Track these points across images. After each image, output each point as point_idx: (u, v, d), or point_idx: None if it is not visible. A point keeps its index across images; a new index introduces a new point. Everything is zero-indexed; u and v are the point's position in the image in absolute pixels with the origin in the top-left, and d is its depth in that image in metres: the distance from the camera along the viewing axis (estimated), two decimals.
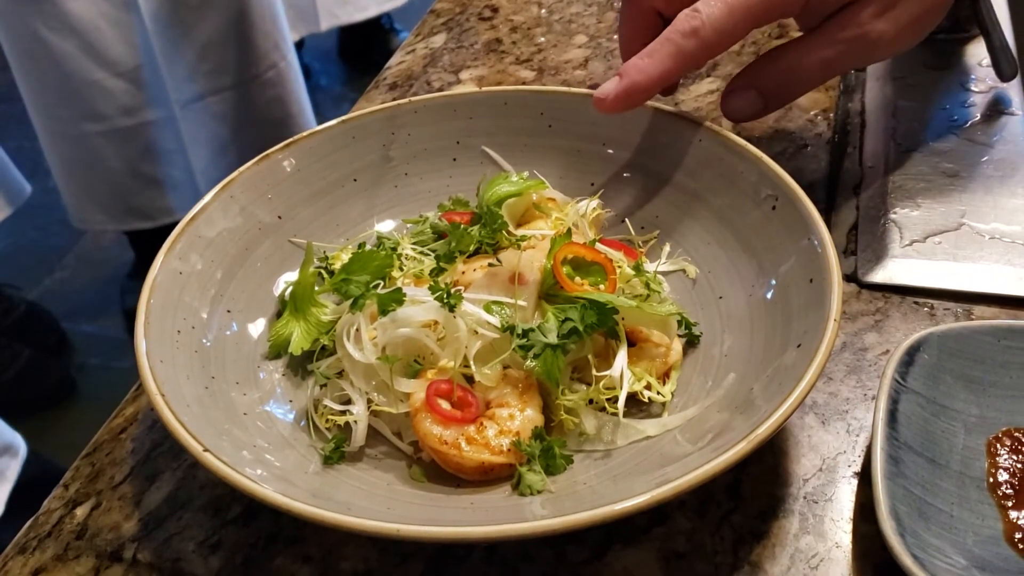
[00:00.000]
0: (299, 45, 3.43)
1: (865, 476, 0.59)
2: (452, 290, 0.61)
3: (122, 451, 0.66)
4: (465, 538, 0.49)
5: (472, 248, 0.70)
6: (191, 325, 0.65)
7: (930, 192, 0.79)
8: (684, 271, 0.71)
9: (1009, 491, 0.56)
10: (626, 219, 0.75)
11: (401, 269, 0.70)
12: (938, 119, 0.87)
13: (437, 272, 0.69)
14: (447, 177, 0.79)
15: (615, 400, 0.60)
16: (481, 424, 0.60)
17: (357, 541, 0.58)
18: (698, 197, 0.72)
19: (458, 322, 0.61)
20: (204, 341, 0.65)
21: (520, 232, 0.71)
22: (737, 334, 0.65)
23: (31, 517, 0.63)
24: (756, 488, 0.59)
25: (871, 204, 0.79)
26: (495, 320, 0.61)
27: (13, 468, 1.84)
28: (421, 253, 0.72)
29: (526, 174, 0.75)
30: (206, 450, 0.53)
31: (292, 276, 0.71)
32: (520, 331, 0.60)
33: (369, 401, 0.62)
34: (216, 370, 0.64)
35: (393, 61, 1.09)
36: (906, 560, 0.49)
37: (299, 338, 0.67)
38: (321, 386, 0.64)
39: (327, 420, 0.62)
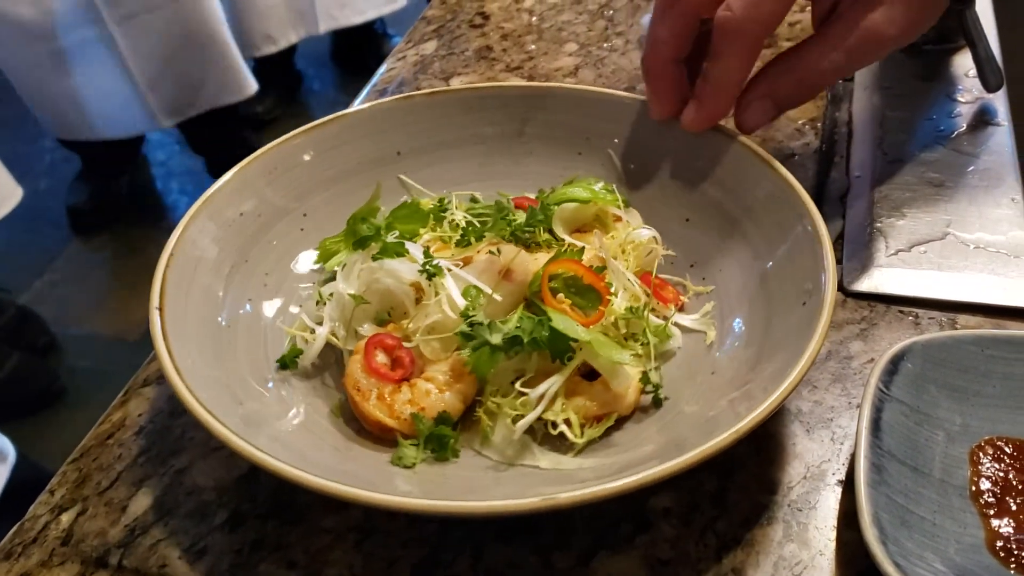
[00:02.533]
0: (292, 49, 3.44)
1: (849, 484, 0.59)
2: (440, 262, 0.64)
3: (109, 456, 0.66)
4: (291, 478, 0.51)
5: (505, 234, 0.70)
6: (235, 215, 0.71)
7: (916, 202, 0.79)
8: (704, 334, 0.67)
9: (991, 499, 0.57)
10: (695, 264, 0.72)
11: (434, 230, 0.73)
12: (925, 129, 0.88)
13: (464, 244, 0.70)
14: (565, 168, 0.79)
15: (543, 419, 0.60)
16: (398, 388, 0.62)
17: (343, 547, 0.58)
18: (766, 286, 0.66)
19: (431, 291, 0.64)
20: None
21: (565, 237, 0.71)
22: (700, 419, 0.60)
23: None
24: (741, 496, 0.59)
25: (857, 213, 0.80)
26: (461, 302, 0.63)
27: (2, 473, 1.84)
28: (468, 222, 0.72)
29: (613, 185, 0.75)
30: (159, 307, 0.59)
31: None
32: (471, 321, 0.60)
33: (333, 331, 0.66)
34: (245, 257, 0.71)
35: (384, 68, 1.10)
36: (888, 568, 0.50)
37: (338, 258, 0.71)
38: (317, 303, 0.69)
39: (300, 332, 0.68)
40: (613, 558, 0.57)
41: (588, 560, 0.57)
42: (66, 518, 0.62)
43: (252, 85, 2.86)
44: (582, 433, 0.60)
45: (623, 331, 0.65)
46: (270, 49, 3.23)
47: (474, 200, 0.78)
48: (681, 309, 0.70)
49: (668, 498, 0.59)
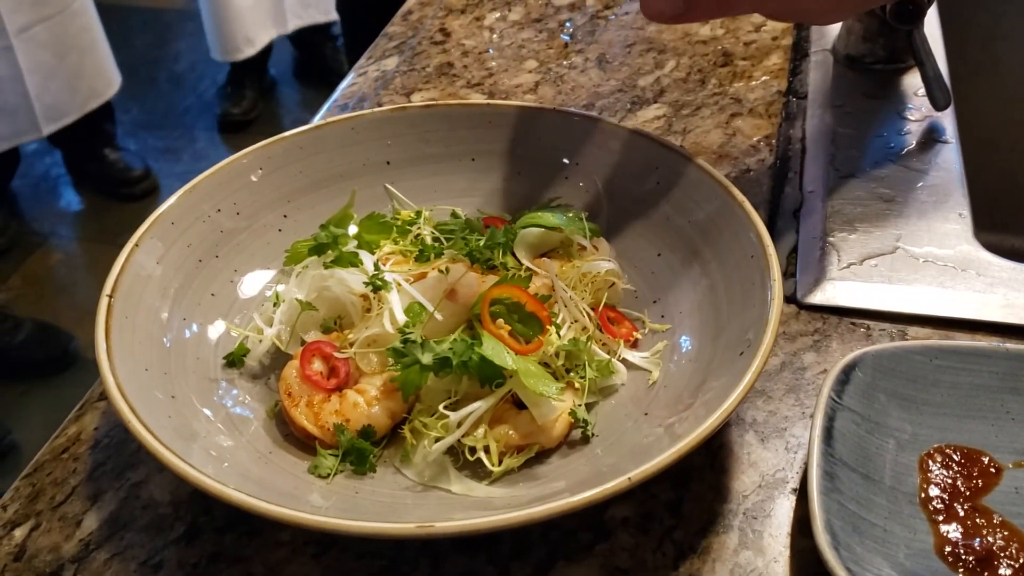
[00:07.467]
0: (267, 52, 3.45)
1: (802, 492, 0.60)
2: (389, 276, 0.65)
3: (63, 471, 0.65)
4: (210, 490, 0.52)
5: (463, 253, 0.69)
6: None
7: (867, 216, 0.81)
8: (649, 373, 0.66)
9: (940, 506, 0.58)
10: (658, 300, 0.71)
11: (396, 243, 0.73)
12: (875, 146, 0.90)
13: (423, 260, 0.70)
14: (551, 190, 0.79)
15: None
16: (327, 397, 0.62)
17: (301, 559, 0.58)
18: (717, 307, 0.67)
19: (376, 304, 0.65)
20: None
21: (526, 262, 0.70)
22: (626, 455, 0.60)
23: None
24: (697, 505, 0.60)
25: (811, 228, 0.81)
26: (402, 318, 0.63)
27: None
28: (434, 238, 0.72)
29: (584, 214, 0.73)
30: (110, 295, 0.61)
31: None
32: (405, 339, 0.60)
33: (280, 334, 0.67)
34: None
35: (345, 83, 1.10)
36: (841, 573, 0.51)
37: (304, 261, 0.72)
38: (274, 304, 0.69)
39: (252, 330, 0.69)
40: (572, 567, 0.57)
41: (547, 570, 0.57)
42: (19, 533, 0.61)
43: (117, 80, 2.89)
44: (500, 462, 0.60)
45: (563, 362, 0.64)
46: (250, 52, 3.27)
47: (455, 215, 0.77)
48: (635, 346, 0.69)
49: (626, 507, 0.60)
